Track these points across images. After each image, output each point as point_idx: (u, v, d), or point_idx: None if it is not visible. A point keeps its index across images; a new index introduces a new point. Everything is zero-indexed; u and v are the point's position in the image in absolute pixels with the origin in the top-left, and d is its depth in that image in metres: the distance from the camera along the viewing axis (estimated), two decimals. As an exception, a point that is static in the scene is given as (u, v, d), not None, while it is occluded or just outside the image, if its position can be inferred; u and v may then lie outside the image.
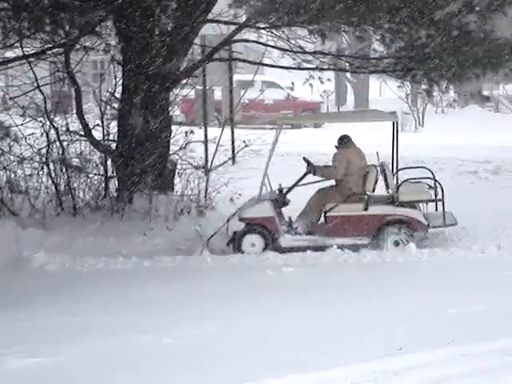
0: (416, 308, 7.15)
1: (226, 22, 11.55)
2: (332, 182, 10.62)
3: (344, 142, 10.48)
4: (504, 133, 21.62)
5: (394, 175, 10.35)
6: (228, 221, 10.37)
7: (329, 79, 13.85)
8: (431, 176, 10.31)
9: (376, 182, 10.34)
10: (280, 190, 10.51)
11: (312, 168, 10.51)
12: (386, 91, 37.43)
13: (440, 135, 23.51)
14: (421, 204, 10.36)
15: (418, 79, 10.94)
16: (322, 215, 10.30)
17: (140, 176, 10.82)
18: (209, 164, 12.55)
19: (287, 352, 6.05)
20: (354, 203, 10.27)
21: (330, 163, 10.42)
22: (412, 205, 10.26)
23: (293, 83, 32.20)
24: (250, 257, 9.54)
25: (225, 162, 12.61)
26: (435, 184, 10.20)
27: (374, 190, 10.41)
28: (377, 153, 10.69)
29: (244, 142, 12.77)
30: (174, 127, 11.77)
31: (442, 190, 10.28)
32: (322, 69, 11.63)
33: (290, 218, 10.51)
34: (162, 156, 11.09)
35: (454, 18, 9.66)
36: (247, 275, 8.67)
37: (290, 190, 10.59)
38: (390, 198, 10.24)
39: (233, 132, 14.78)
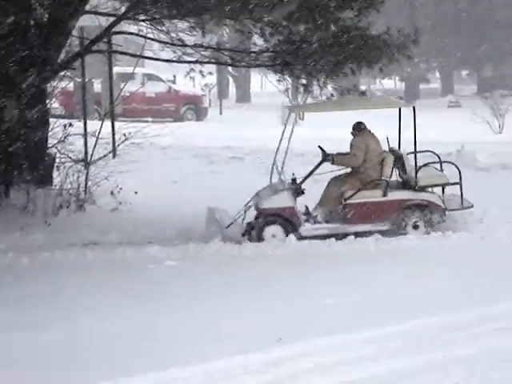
0: (295, 299, 7.30)
1: (104, 14, 11.39)
2: (346, 170, 10.62)
3: (361, 128, 10.45)
4: (375, 126, 22.11)
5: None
6: (245, 211, 10.30)
7: (210, 73, 13.81)
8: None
9: (393, 168, 10.37)
10: (293, 180, 10.40)
11: (330, 156, 10.44)
12: (267, 85, 37.86)
13: (320, 129, 23.89)
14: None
15: (297, 73, 11.07)
16: (342, 203, 10.27)
17: (16, 169, 10.53)
18: (88, 157, 12.35)
19: (166, 346, 6.06)
20: (373, 189, 10.29)
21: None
22: (429, 189, 10.37)
23: (174, 76, 32.10)
24: (130, 250, 9.41)
25: (105, 156, 12.44)
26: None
27: (391, 176, 10.43)
28: (387, 138, 10.71)
29: (124, 135, 12.65)
30: (52, 120, 11.53)
31: (460, 173, 10.47)
32: (202, 62, 11.62)
33: (306, 207, 10.49)
34: (39, 149, 10.84)
35: (332, 14, 9.84)
36: (127, 270, 8.58)
37: (305, 179, 10.46)
38: (408, 183, 10.32)
39: (113, 125, 14.59)
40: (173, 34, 11.65)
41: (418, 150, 10.32)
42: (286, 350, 5.89)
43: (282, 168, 10.26)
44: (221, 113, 31.56)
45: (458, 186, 10.44)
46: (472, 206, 10.45)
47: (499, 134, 21.98)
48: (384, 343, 6.01)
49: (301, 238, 10.00)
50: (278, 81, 12.08)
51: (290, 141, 10.27)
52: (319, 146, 10.75)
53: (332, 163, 10.49)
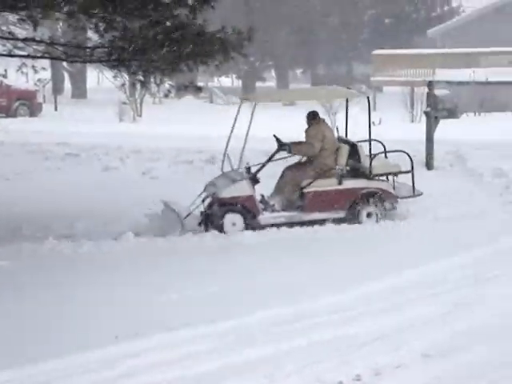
0: (150, 293, 7.27)
1: None
2: (298, 158, 10.74)
3: (316, 117, 10.56)
4: (217, 123, 22.35)
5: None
6: (203, 201, 10.27)
7: (44, 68, 13.45)
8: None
9: (348, 157, 10.50)
10: (248, 169, 10.36)
11: (287, 145, 10.48)
12: (104, 80, 37.27)
13: (158, 125, 23.82)
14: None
15: (134, 70, 10.95)
16: (299, 191, 10.35)
17: None
18: None
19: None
20: (329, 178, 10.41)
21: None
22: (382, 177, 10.56)
23: (6, 70, 30.96)
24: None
25: None
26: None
27: (347, 165, 10.57)
28: (336, 128, 10.86)
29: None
30: None
31: (412, 162, 10.72)
32: (34, 57, 11.27)
33: (262, 196, 10.48)
34: None
35: (167, 11, 9.80)
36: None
37: (261, 168, 10.49)
38: (362, 172, 10.46)
39: None
40: (3, 27, 11.25)
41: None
42: (123, 347, 5.85)
43: (233, 158, 10.34)
44: (56, 109, 30.80)
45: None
46: (421, 194, 10.80)
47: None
48: (221, 337, 6.07)
49: (259, 226, 10.12)
50: (114, 77, 11.92)
51: (248, 132, 10.22)
52: (274, 135, 10.77)
53: (288, 152, 10.63)
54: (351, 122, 11.28)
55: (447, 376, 5.28)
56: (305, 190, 10.43)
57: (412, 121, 24.95)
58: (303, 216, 10.35)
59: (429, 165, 13.70)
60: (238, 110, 10.51)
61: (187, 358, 5.65)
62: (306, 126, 10.72)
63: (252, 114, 10.16)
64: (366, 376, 5.28)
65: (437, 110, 14.00)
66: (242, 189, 10.29)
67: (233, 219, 10.23)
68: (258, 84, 44.56)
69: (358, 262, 8.24)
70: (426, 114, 14.00)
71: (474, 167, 13.02)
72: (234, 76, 48.84)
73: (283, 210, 10.45)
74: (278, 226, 10.12)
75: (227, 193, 10.25)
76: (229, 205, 10.25)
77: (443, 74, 28.98)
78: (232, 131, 10.59)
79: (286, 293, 7.13)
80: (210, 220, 10.23)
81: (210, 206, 10.29)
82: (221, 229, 10.08)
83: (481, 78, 26.30)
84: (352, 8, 42.08)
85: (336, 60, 44.99)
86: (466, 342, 5.81)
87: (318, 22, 41.15)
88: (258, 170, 10.49)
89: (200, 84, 12.95)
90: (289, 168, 10.82)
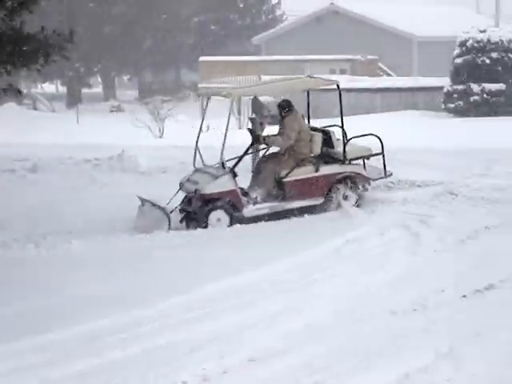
0: None
1: None
2: (275, 149, 11.01)
3: (290, 107, 10.89)
4: (41, 130, 21.70)
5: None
6: (186, 197, 10.41)
7: None
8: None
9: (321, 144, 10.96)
10: (222, 164, 10.46)
11: (262, 138, 10.87)
12: None
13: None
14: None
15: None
16: (277, 181, 10.66)
17: None
18: None
19: None
20: (306, 166, 10.79)
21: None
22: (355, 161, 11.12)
23: None
24: None
25: None
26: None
27: (321, 152, 11.00)
28: (302, 116, 10.99)
29: None
30: None
31: (382, 145, 11.29)
32: None
33: (242, 189, 10.63)
34: None
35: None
36: None
37: (238, 162, 10.70)
38: (335, 157, 11.02)
39: None
40: None
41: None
42: None
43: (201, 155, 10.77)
44: None
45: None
46: (391, 175, 11.56)
47: (160, 138, 22.53)
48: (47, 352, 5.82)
49: (243, 219, 10.31)
50: None
51: (227, 128, 10.40)
52: (249, 129, 11.18)
53: (266, 145, 11.06)
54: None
55: (274, 378, 5.30)
56: (284, 180, 10.71)
57: (239, 127, 25.23)
58: (285, 205, 10.66)
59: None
60: (230, 107, 10.80)
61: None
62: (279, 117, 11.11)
63: (230, 109, 10.68)
64: (193, 383, 5.22)
65: (262, 116, 14.15)
66: (225, 184, 10.40)
67: (218, 215, 10.32)
68: (84, 90, 43.68)
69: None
70: (251, 120, 14.12)
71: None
72: (58, 82, 47.62)
73: (265, 201, 10.67)
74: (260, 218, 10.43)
75: (211, 188, 10.34)
76: (213, 200, 10.34)
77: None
78: (201, 128, 11.13)
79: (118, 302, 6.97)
80: (192, 217, 10.34)
81: (191, 202, 10.35)
82: (205, 225, 10.17)
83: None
84: (177, 14, 42.18)
85: (163, 66, 44.87)
86: (294, 344, 5.86)
87: (143, 28, 40.89)
88: (236, 164, 10.67)
89: (23, 90, 12.48)
90: (265, 160, 11.14)
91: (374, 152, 11.44)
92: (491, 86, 26.19)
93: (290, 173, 10.69)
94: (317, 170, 10.86)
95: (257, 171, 11.10)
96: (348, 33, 38.31)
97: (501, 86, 26.15)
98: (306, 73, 31.12)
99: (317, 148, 11.00)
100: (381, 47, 36.54)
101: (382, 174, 11.47)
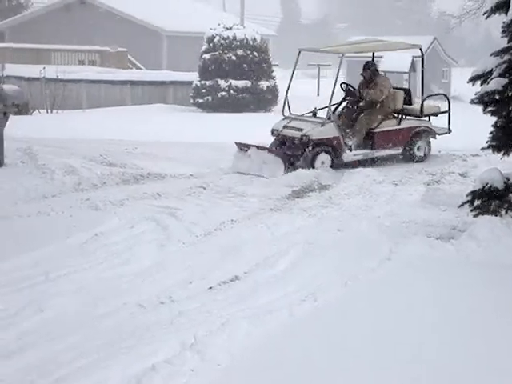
0: None
1: None
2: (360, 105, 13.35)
3: (375, 67, 13.25)
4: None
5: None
6: (283, 142, 12.56)
7: None
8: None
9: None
10: (314, 113, 12.85)
11: (357, 91, 13.07)
12: None
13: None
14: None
15: None
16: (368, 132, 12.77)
17: None
18: None
19: None
20: (391, 120, 13.12)
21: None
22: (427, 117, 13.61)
23: None
24: None
25: None
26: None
27: (402, 108, 13.38)
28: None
29: None
30: None
31: (449, 104, 13.89)
32: None
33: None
34: None
35: None
36: None
37: (331, 112, 12.83)
38: (412, 113, 13.53)
39: None
40: None
41: None
42: None
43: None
44: None
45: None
46: (451, 131, 13.96)
47: None
48: None
49: (342, 163, 12.41)
50: None
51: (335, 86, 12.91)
52: (344, 83, 13.49)
53: (360, 98, 13.02)
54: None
55: (12, 377, 5.07)
56: (374, 131, 12.81)
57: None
58: (374, 153, 12.83)
59: None
60: (296, 62, 13.88)
61: None
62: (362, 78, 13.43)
63: (339, 67, 13.46)
64: None
65: (6, 106, 13.51)
66: (330, 130, 12.38)
67: (322, 158, 12.27)
68: None
69: None
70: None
71: (46, 164, 12.85)
72: None
73: (357, 148, 12.73)
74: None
75: (318, 134, 12.28)
76: (320, 145, 12.25)
77: (13, 69, 28.33)
78: (291, 79, 13.74)
79: None
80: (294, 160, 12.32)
81: (291, 146, 12.37)
82: (312, 166, 12.15)
83: (52, 75, 26.20)
84: None
85: None
86: (31, 343, 5.64)
87: None
88: (333, 113, 12.88)
89: None
90: (357, 112, 13.03)
91: (442, 110, 14.10)
92: (238, 82, 27.00)
93: (379, 125, 12.86)
94: (399, 124, 13.15)
95: (350, 121, 13.00)
96: (97, 24, 37.84)
97: (246, 83, 27.03)
98: (52, 62, 30.29)
99: (399, 104, 13.35)
100: (130, 40, 36.45)
101: (444, 130, 13.90)
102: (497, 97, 8.07)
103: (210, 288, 6.98)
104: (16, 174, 12.25)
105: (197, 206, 10.42)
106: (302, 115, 13.16)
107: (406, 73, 29.19)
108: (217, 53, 27.29)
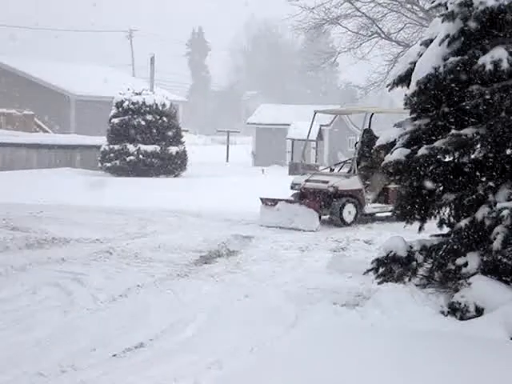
0: None
1: None
2: None
3: (373, 132, 14.10)
4: None
5: None
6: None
7: None
8: None
9: None
10: (331, 168, 14.02)
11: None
12: None
13: None
14: None
15: None
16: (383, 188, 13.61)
17: None
18: None
19: None
20: None
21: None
22: None
23: None
24: None
25: None
26: None
27: None
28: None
29: None
30: None
31: None
32: None
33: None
34: None
35: None
36: None
37: (352, 166, 13.85)
38: None
39: None
40: None
41: None
42: None
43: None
44: None
45: None
46: None
47: None
48: None
49: (364, 215, 13.31)
50: None
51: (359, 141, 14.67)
52: (366, 129, 14.42)
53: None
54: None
55: None
56: (388, 187, 13.49)
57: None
58: (388, 207, 13.26)
59: None
60: (312, 123, 15.12)
61: None
62: None
63: (364, 123, 14.73)
64: None
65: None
66: (355, 182, 13.44)
67: (349, 208, 13.22)
68: None
69: None
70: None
71: None
72: None
73: (374, 202, 13.70)
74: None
75: (345, 185, 13.29)
76: (346, 196, 13.19)
77: None
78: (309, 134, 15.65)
79: None
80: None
81: (318, 198, 13.44)
82: (340, 216, 13.28)
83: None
84: None
85: None
86: None
87: None
88: (351, 169, 13.86)
89: None
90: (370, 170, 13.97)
91: None
92: (146, 147, 26.99)
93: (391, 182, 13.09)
94: None
95: (366, 177, 13.89)
96: (3, 86, 37.37)
97: (155, 148, 27.05)
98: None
99: None
100: (37, 103, 36.16)
101: None
102: (400, 167, 8.29)
103: (114, 355, 6.82)
104: None
105: (102, 272, 10.25)
106: (321, 171, 14.91)
107: (313, 141, 29.73)
108: (126, 117, 27.30)
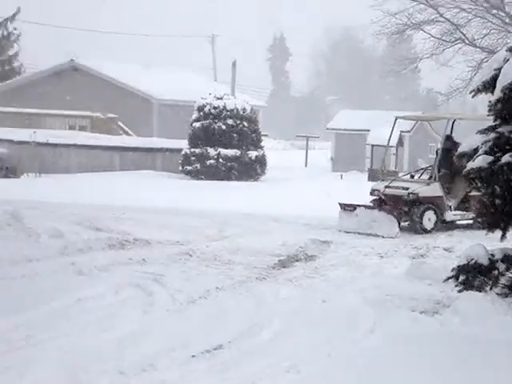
0: None
1: None
2: None
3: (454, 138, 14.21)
4: None
5: None
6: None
7: None
8: None
9: None
10: (412, 175, 14.27)
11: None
12: None
13: None
14: None
15: None
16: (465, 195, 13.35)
17: None
18: None
19: None
20: None
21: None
22: None
23: None
24: None
25: None
26: None
27: None
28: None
29: None
30: None
31: None
32: None
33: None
34: None
35: None
36: None
37: (433, 172, 14.10)
38: None
39: None
40: None
41: None
42: None
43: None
44: None
45: None
46: None
47: None
48: None
49: (444, 222, 13.21)
50: None
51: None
52: (449, 135, 14.41)
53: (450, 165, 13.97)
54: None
55: None
56: (470, 194, 13.16)
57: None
58: (469, 215, 13.26)
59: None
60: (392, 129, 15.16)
61: None
62: None
63: (445, 129, 14.59)
64: None
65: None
66: (435, 189, 13.44)
67: (429, 215, 13.18)
68: None
69: None
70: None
71: (32, 227, 12.84)
72: None
73: (455, 209, 13.60)
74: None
75: (425, 192, 13.23)
76: (427, 203, 13.21)
77: (4, 133, 28.51)
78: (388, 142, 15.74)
79: None
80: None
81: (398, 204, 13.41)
82: (420, 222, 13.23)
83: (42, 139, 26.36)
84: None
85: None
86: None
87: None
88: (431, 176, 13.79)
89: None
90: (451, 177, 13.91)
91: None
92: (227, 151, 27.22)
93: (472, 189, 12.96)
94: None
95: (450, 184, 13.83)
96: (88, 90, 38.21)
97: (235, 152, 27.25)
98: (42, 127, 30.48)
99: None
100: (121, 106, 36.80)
101: None
102: (482, 174, 8.17)
103: (193, 356, 6.91)
104: (1, 237, 12.22)
105: (182, 273, 10.40)
106: (401, 177, 14.87)
107: (393, 147, 29.50)
108: (207, 121, 27.58)
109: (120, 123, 35.58)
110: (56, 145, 27.00)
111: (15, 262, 10.70)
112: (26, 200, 16.52)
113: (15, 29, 45.22)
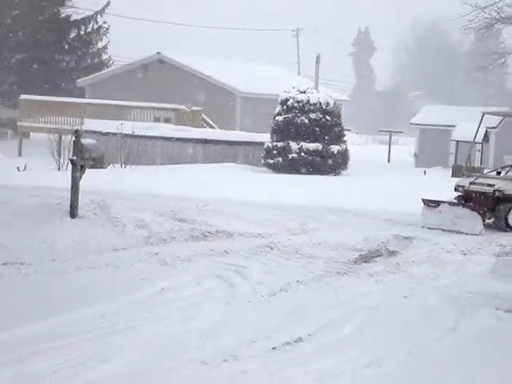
0: None
1: None
2: None
3: None
4: None
5: None
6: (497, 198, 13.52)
7: None
8: None
9: None
10: (498, 171, 14.11)
11: None
12: None
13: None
14: None
15: None
16: None
17: None
18: None
19: None
20: None
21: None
22: None
23: None
24: None
25: None
26: None
27: None
28: None
29: None
30: None
31: None
32: None
33: None
34: None
35: None
36: None
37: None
38: None
39: None
40: None
41: None
42: None
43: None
44: None
45: None
46: None
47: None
48: None
49: None
50: None
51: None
52: None
53: None
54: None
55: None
56: None
57: (59, 168, 24.68)
58: None
59: (73, 213, 13.52)
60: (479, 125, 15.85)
61: None
62: None
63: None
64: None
65: (83, 159, 13.87)
66: None
67: None
68: None
69: None
70: (72, 161, 13.81)
71: (118, 217, 13.12)
72: None
73: None
74: None
75: (511, 190, 13.42)
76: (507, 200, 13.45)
77: (92, 124, 29.17)
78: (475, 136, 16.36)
79: None
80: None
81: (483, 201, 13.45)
82: (505, 220, 13.37)
83: (128, 131, 26.84)
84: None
85: None
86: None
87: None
88: None
89: None
90: None
91: None
92: (309, 145, 27.19)
93: None
94: None
95: None
96: (174, 82, 38.70)
97: (317, 146, 27.20)
98: (129, 118, 31.02)
99: None
100: (205, 99, 37.15)
101: None
102: None
103: (274, 348, 6.98)
104: (88, 226, 12.52)
105: (263, 265, 10.48)
106: (486, 173, 14.87)
107: (479, 143, 28.95)
108: (290, 115, 27.59)
109: (204, 116, 35.93)
110: (141, 136, 27.45)
111: (101, 251, 10.97)
112: (112, 190, 16.85)
113: (105, 22, 46.19)
